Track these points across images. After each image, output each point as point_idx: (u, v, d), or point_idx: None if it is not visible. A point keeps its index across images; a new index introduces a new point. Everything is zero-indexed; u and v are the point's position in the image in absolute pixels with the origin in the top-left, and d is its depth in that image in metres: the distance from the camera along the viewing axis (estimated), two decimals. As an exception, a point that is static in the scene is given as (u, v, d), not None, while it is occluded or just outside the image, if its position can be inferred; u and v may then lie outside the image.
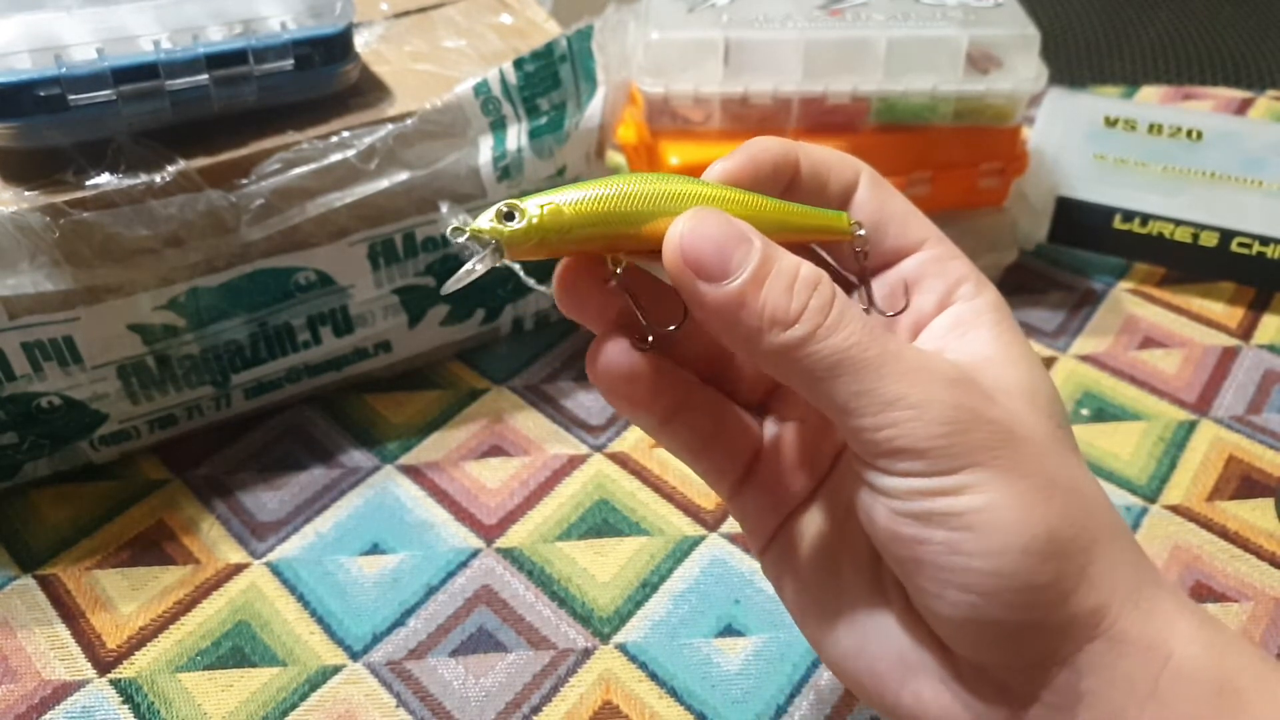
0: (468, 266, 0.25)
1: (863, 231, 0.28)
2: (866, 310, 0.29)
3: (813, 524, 0.29)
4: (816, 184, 0.28)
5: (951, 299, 0.28)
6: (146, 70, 0.39)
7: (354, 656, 0.40)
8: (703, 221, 0.25)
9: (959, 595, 0.24)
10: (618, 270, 0.26)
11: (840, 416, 0.24)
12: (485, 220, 0.25)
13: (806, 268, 0.25)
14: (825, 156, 0.29)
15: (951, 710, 0.26)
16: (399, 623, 0.41)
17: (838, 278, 0.28)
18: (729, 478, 0.30)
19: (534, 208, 0.25)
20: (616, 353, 0.27)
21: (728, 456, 0.30)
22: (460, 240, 0.25)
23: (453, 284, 0.25)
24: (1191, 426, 0.48)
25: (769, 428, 0.30)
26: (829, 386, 0.24)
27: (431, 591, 0.42)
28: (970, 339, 0.27)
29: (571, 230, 0.25)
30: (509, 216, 0.25)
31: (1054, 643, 0.25)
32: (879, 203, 0.29)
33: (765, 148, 0.27)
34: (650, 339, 0.27)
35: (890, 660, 0.27)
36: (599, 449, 0.48)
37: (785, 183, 0.28)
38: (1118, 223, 0.55)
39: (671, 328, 0.27)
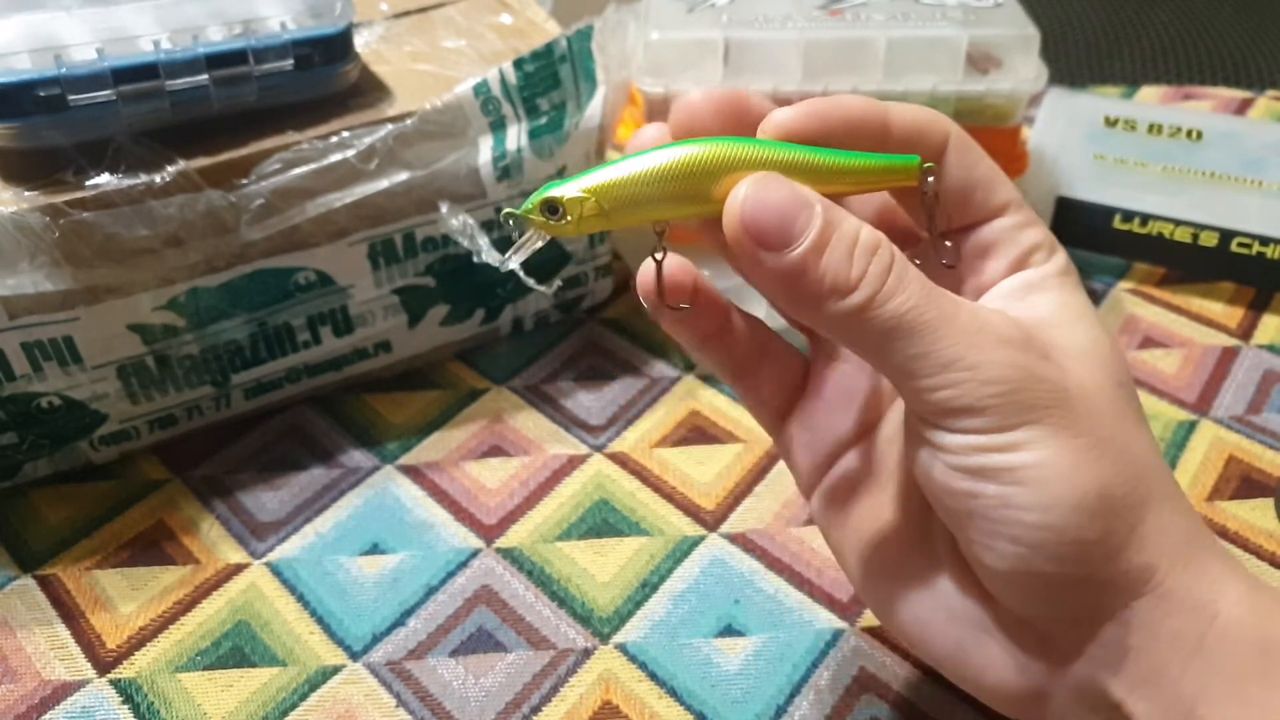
0: (515, 247, 0.26)
1: (931, 178, 0.28)
2: (932, 255, 0.29)
3: (862, 468, 0.30)
4: (908, 148, 0.28)
5: (1026, 264, 0.28)
6: (146, 70, 0.39)
7: (354, 656, 0.40)
8: (764, 189, 0.25)
9: (1009, 547, 0.25)
10: (661, 240, 0.26)
11: (899, 378, 0.25)
12: (532, 210, 0.25)
13: (866, 231, 0.25)
14: (916, 118, 0.28)
15: (995, 661, 0.27)
16: (399, 623, 0.41)
17: (907, 237, 0.28)
18: (769, 406, 0.30)
19: (574, 199, 0.25)
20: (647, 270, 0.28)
21: (769, 384, 0.30)
22: (509, 225, 0.26)
23: (514, 257, 0.26)
24: (1191, 427, 0.48)
25: (819, 364, 0.31)
26: (888, 349, 0.25)
27: (431, 591, 0.42)
28: (1033, 301, 0.27)
29: (614, 217, 0.25)
30: (552, 211, 0.25)
31: (1100, 598, 0.25)
32: (966, 168, 0.29)
33: (838, 104, 0.27)
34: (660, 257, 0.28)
35: (935, 609, 0.28)
36: (599, 449, 0.48)
37: (871, 145, 0.28)
38: (1118, 223, 0.55)
39: (684, 305, 0.28)
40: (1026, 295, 0.28)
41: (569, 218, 0.25)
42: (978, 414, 0.24)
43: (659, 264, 0.28)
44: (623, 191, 0.25)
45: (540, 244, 0.26)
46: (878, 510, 0.30)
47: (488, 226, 0.47)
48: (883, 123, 0.27)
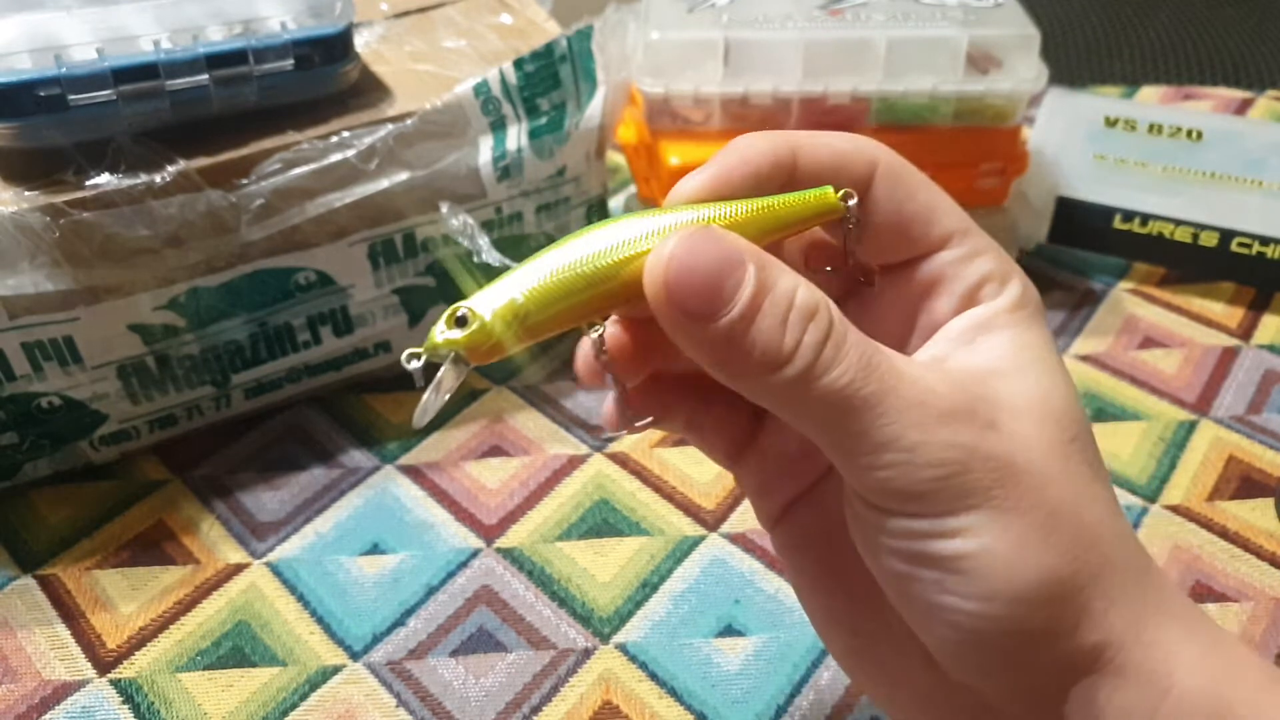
0: (430, 391, 0.23)
1: (854, 202, 0.25)
2: (858, 279, 0.27)
3: (817, 515, 0.29)
4: (820, 183, 0.26)
5: (974, 300, 0.26)
6: (146, 70, 0.39)
7: (354, 656, 0.40)
8: (691, 247, 0.22)
9: (947, 631, 0.24)
10: (595, 336, 0.24)
11: (835, 455, 0.23)
12: (438, 334, 0.23)
13: (804, 292, 0.23)
14: (832, 151, 0.26)
15: None
16: (399, 623, 0.41)
17: (843, 261, 0.26)
18: (721, 453, 0.29)
19: (483, 307, 0.22)
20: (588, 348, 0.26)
21: (719, 433, 0.29)
22: (415, 366, 0.23)
23: (421, 414, 0.23)
24: (1191, 426, 0.48)
25: None
26: (823, 426, 0.23)
27: (431, 591, 0.42)
28: (982, 344, 0.25)
29: (532, 317, 0.23)
30: (460, 322, 0.23)
31: (1047, 677, 0.24)
32: (899, 200, 0.26)
33: (744, 159, 0.25)
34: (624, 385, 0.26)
35: (881, 663, 0.27)
36: (599, 449, 0.48)
37: (779, 186, 0.25)
38: (1118, 223, 0.55)
39: (649, 420, 0.27)
40: (976, 337, 0.26)
41: (479, 325, 0.22)
42: (915, 499, 0.23)
43: (601, 350, 0.24)
44: (536, 289, 0.22)
45: (457, 381, 0.23)
46: (832, 558, 0.28)
47: (488, 226, 0.47)
48: (788, 164, 0.25)
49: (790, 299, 0.22)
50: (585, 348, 0.26)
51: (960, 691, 0.25)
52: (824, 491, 0.29)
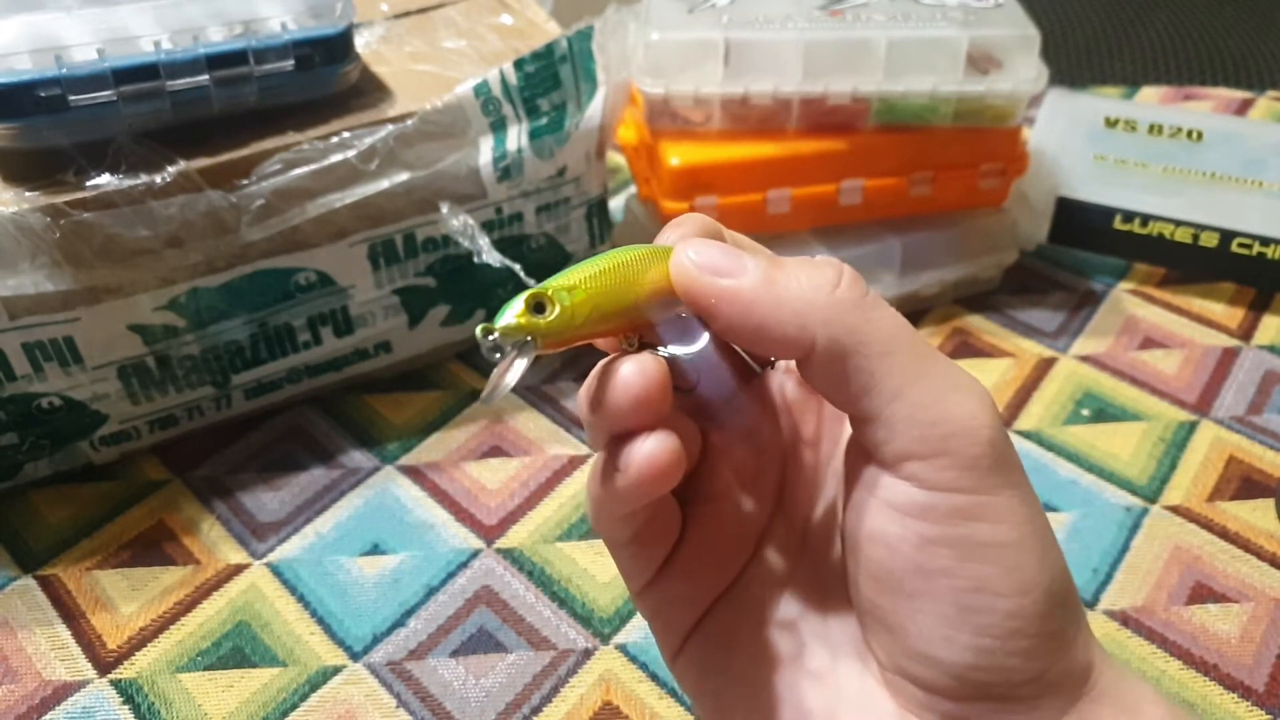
0: (506, 369, 0.23)
1: None
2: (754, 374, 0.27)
3: (736, 616, 0.27)
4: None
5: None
6: (147, 71, 0.39)
7: (354, 657, 0.40)
8: (696, 240, 0.24)
9: (973, 639, 0.22)
10: (628, 345, 0.24)
11: (889, 404, 0.22)
12: (513, 316, 0.22)
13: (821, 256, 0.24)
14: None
15: None
16: (399, 623, 0.41)
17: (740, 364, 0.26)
18: (653, 566, 0.27)
19: (563, 293, 0.23)
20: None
21: (657, 540, 0.27)
22: (491, 340, 0.23)
23: (493, 395, 0.23)
24: (1192, 427, 0.48)
25: (695, 507, 0.28)
26: (884, 365, 0.22)
27: (432, 592, 0.42)
28: None
29: (598, 308, 0.23)
30: (539, 308, 0.23)
31: (1038, 706, 0.23)
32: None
33: (703, 224, 0.25)
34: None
35: None
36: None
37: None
38: (1118, 223, 0.55)
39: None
40: None
41: (557, 310, 0.23)
42: (965, 464, 0.22)
43: (640, 349, 0.24)
44: (602, 280, 0.23)
45: (526, 363, 0.23)
46: (743, 671, 0.27)
47: (488, 227, 0.47)
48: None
49: (809, 256, 0.23)
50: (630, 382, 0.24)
51: None
52: (716, 619, 0.28)
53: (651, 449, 0.23)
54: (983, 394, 0.23)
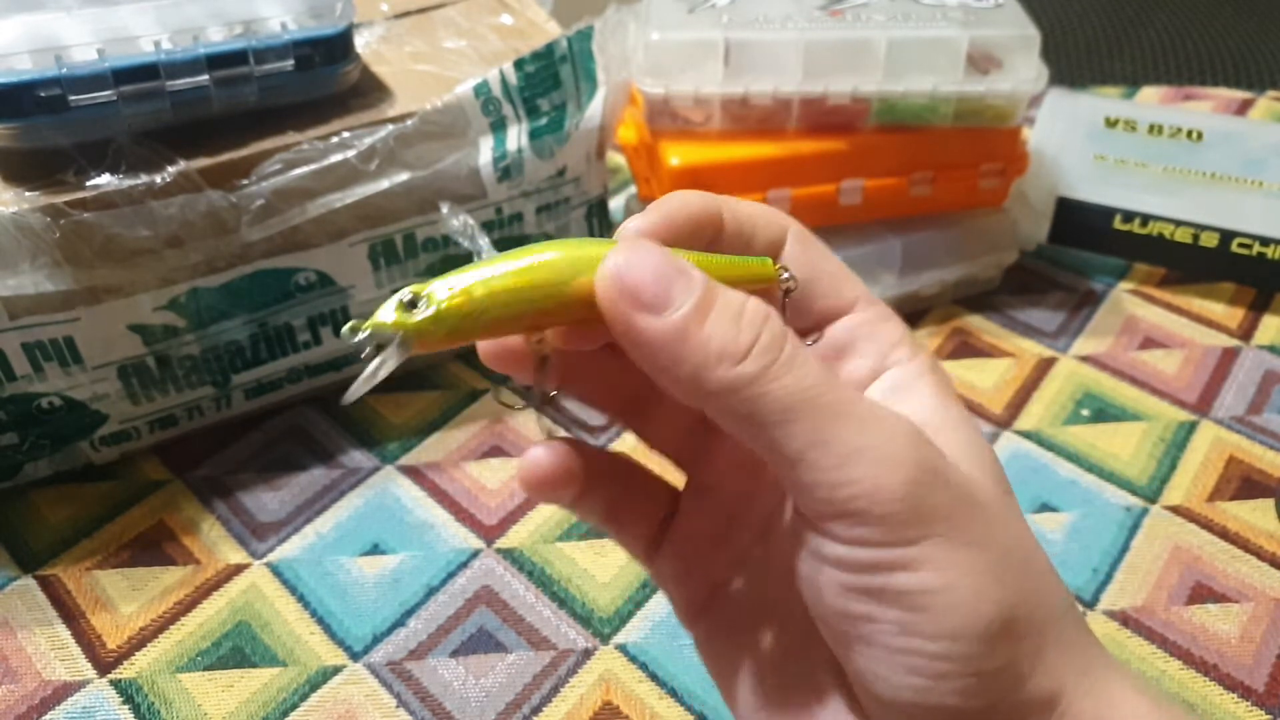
0: (371, 368, 0.22)
1: (788, 274, 0.26)
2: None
3: (741, 600, 0.28)
4: (740, 241, 0.26)
5: (886, 363, 0.26)
6: (147, 71, 0.39)
7: (354, 657, 0.40)
8: (639, 251, 0.22)
9: (907, 679, 0.22)
10: (538, 344, 0.24)
11: (791, 469, 0.22)
12: (387, 313, 0.22)
13: (754, 301, 0.23)
14: (751, 212, 0.26)
15: None
16: (399, 623, 0.41)
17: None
18: (641, 542, 0.28)
19: (441, 291, 0.22)
20: (534, 461, 0.26)
21: (638, 521, 0.28)
22: (359, 339, 0.22)
23: (354, 392, 0.22)
24: (1192, 427, 0.48)
25: (691, 491, 0.28)
26: (781, 433, 0.22)
27: (432, 592, 0.42)
28: (909, 404, 0.25)
29: (486, 311, 0.22)
30: (412, 305, 0.22)
31: None
32: (809, 260, 0.26)
33: (684, 203, 0.25)
34: (550, 394, 0.26)
35: None
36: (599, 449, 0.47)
37: (708, 240, 0.26)
38: (1118, 223, 0.55)
39: (553, 392, 0.26)
40: (903, 398, 0.25)
41: (429, 310, 0.22)
42: (878, 521, 0.22)
43: (541, 357, 0.25)
44: (485, 287, 0.23)
45: (394, 363, 0.22)
46: (758, 644, 0.27)
47: (488, 227, 0.47)
48: (718, 218, 0.25)
49: (742, 303, 0.22)
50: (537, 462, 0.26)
51: None
52: (726, 600, 0.28)
53: (527, 460, 0.26)
54: (893, 452, 0.22)
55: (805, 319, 0.27)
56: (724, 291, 0.23)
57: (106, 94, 0.38)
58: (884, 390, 0.26)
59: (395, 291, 0.23)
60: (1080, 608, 0.41)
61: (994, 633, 0.22)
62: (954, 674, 0.22)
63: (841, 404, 0.22)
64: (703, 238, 0.25)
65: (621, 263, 0.22)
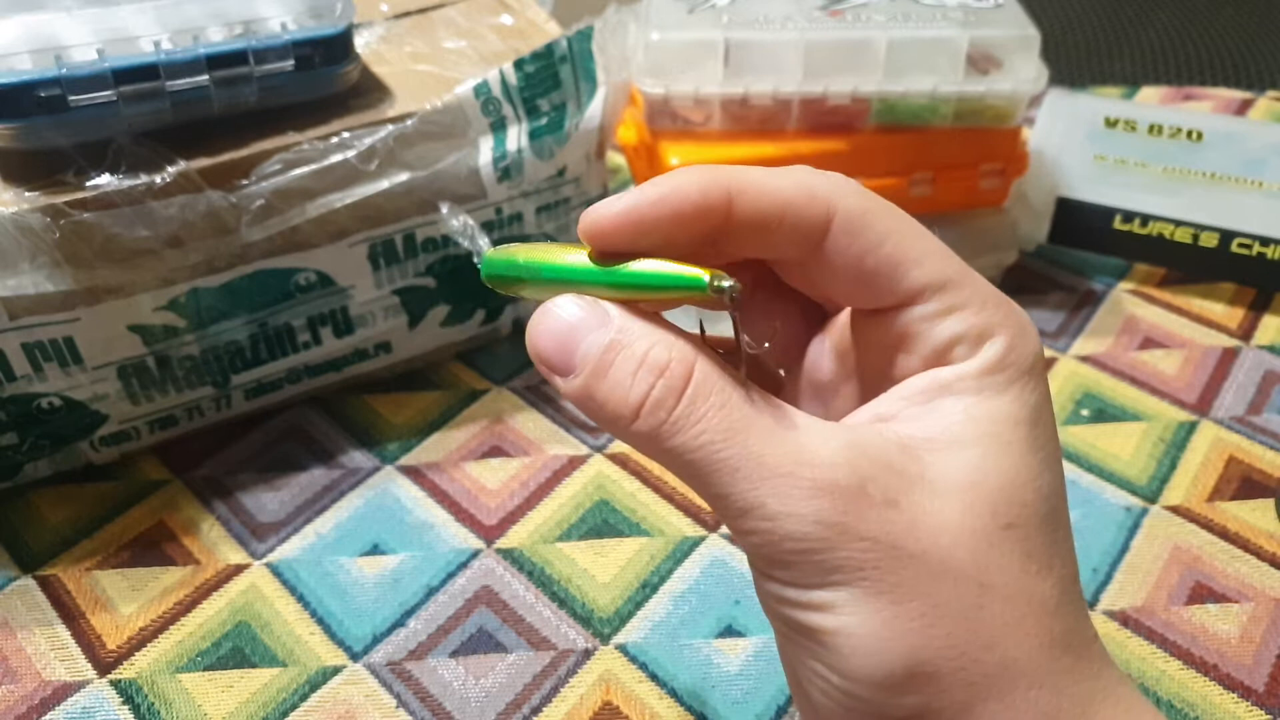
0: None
1: (729, 284, 0.22)
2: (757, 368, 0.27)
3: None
4: (761, 231, 0.24)
5: (944, 360, 0.24)
6: (147, 71, 0.39)
7: (354, 657, 0.40)
8: (544, 317, 0.24)
9: (819, 698, 0.23)
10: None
11: (710, 500, 0.23)
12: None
13: (658, 349, 0.22)
14: (777, 200, 0.23)
15: None
16: (399, 623, 0.41)
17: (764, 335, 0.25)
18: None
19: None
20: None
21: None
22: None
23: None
24: (1192, 427, 0.48)
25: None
26: (692, 483, 0.23)
27: (431, 592, 0.42)
28: (935, 408, 0.24)
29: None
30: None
31: None
32: (855, 258, 0.24)
33: (674, 190, 0.23)
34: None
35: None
36: (599, 450, 0.48)
37: (708, 229, 0.23)
38: (1118, 223, 0.55)
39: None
40: (931, 400, 0.24)
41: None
42: (779, 567, 0.22)
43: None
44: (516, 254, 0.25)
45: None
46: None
47: (488, 227, 0.47)
48: (722, 206, 0.23)
49: (642, 357, 0.23)
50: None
51: None
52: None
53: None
54: (791, 509, 0.22)
55: (865, 305, 0.25)
56: (630, 343, 0.23)
57: (106, 94, 0.38)
58: (920, 388, 0.24)
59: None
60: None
61: (895, 682, 0.22)
62: (861, 712, 0.23)
63: (742, 459, 0.22)
64: (693, 231, 0.23)
65: (530, 329, 0.24)
